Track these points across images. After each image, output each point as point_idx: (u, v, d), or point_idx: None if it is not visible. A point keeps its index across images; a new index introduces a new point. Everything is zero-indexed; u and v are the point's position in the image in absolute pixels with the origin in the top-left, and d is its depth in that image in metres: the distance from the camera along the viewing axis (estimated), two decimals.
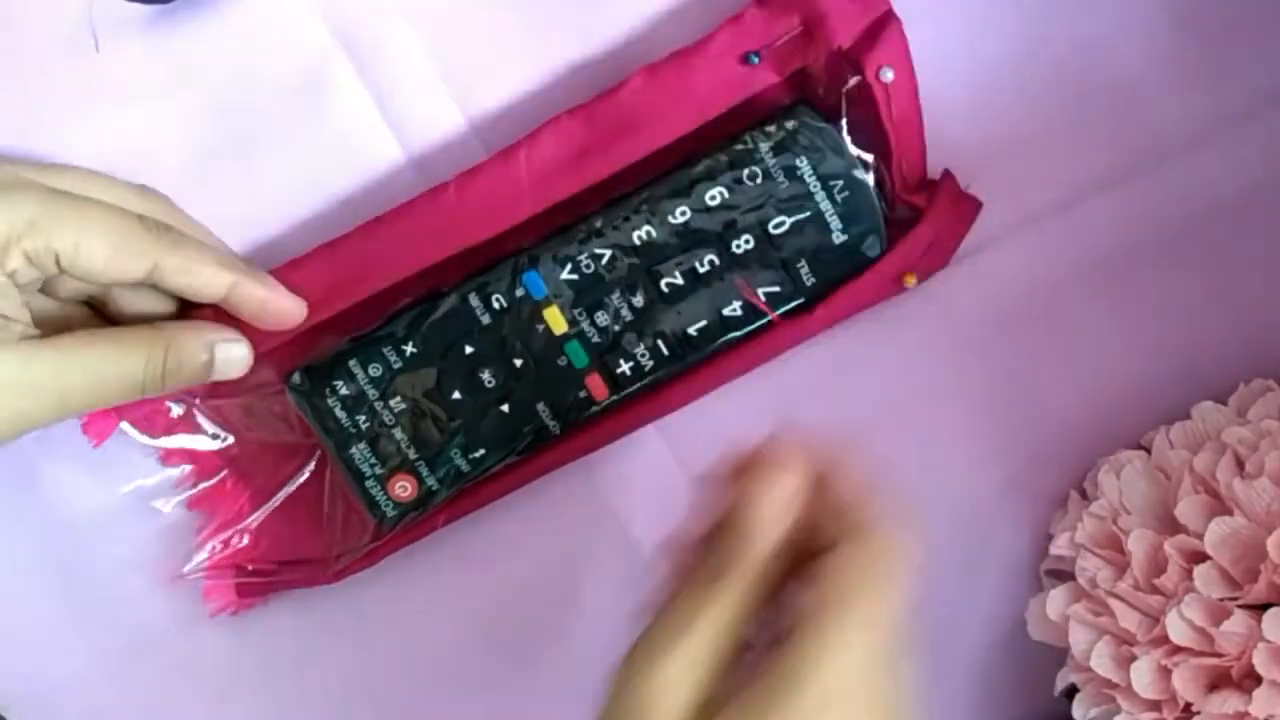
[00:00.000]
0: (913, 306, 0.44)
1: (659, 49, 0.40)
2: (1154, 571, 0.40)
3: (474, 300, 0.40)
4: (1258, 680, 0.37)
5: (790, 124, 0.39)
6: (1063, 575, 0.43)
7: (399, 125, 0.42)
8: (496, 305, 0.40)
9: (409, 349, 0.41)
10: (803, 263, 0.40)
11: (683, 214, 0.40)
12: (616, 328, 0.41)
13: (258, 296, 0.39)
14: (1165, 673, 0.38)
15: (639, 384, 0.42)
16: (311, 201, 0.42)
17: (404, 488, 0.42)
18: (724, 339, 0.42)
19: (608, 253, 0.40)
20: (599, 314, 0.41)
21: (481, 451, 0.42)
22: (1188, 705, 0.38)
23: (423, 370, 0.41)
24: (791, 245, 0.40)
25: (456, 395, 0.41)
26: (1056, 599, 0.42)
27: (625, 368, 0.41)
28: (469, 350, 0.41)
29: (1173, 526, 0.40)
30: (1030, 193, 0.43)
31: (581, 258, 0.40)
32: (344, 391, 0.41)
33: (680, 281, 0.41)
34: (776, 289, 0.41)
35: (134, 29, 0.40)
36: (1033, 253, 0.44)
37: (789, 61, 0.39)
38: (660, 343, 0.41)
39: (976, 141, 0.43)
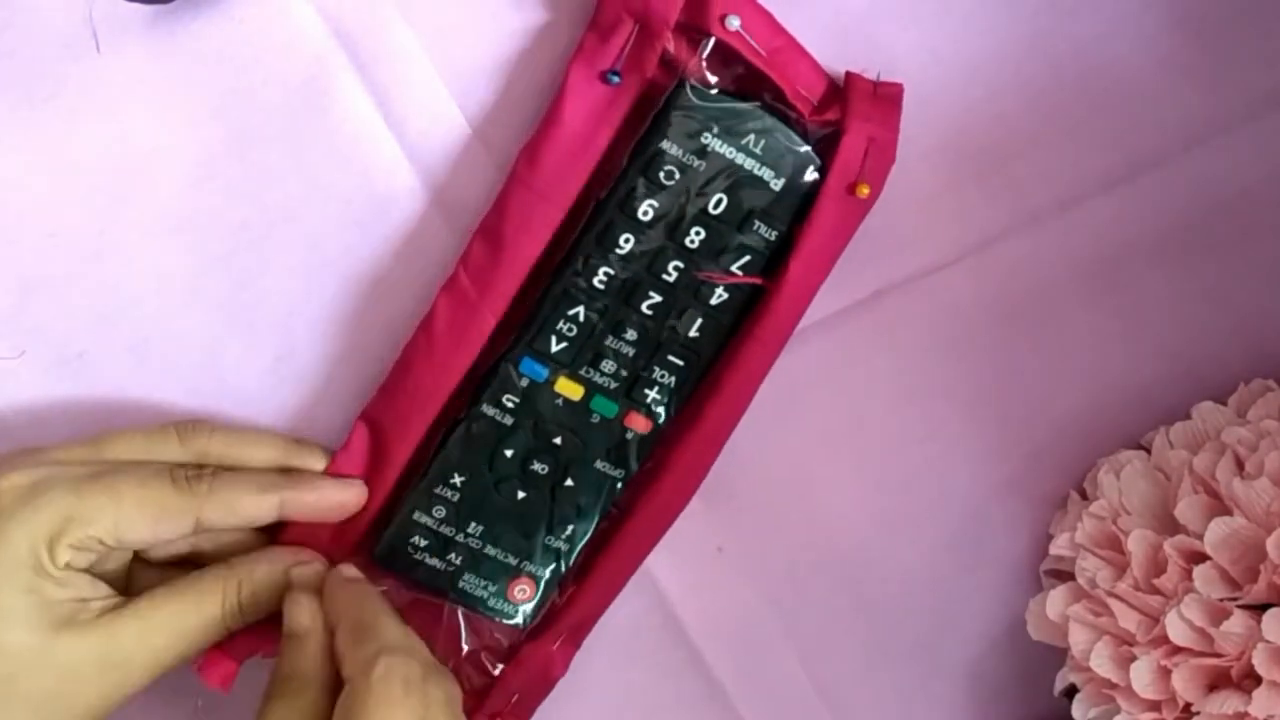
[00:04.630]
0: (913, 306, 0.44)
1: None
2: (1154, 571, 0.40)
3: (489, 410, 0.41)
4: (1257, 680, 0.37)
5: (675, 110, 0.40)
6: (1063, 575, 0.43)
7: (399, 126, 0.42)
8: (510, 404, 0.41)
9: (457, 480, 0.42)
10: (756, 224, 0.41)
11: (626, 241, 0.40)
12: (624, 369, 0.41)
13: (308, 503, 0.40)
14: (1165, 673, 0.38)
15: (675, 402, 0.42)
16: (312, 202, 0.42)
17: (523, 590, 0.43)
18: (726, 325, 0.42)
19: (580, 309, 0.41)
20: (604, 363, 0.41)
21: (570, 528, 0.43)
22: (1187, 705, 0.38)
23: (479, 491, 0.42)
24: (737, 214, 0.40)
25: (521, 495, 0.42)
26: (1056, 599, 0.42)
27: (653, 395, 0.42)
28: (509, 453, 0.42)
29: (1172, 526, 0.40)
30: (1030, 193, 0.43)
31: (561, 325, 0.41)
32: (424, 543, 0.42)
33: (659, 299, 0.41)
34: (747, 259, 0.41)
35: (135, 30, 0.40)
36: (1033, 252, 0.44)
37: (646, 61, 0.39)
38: (671, 357, 0.42)
39: (977, 142, 0.43)
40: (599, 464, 0.42)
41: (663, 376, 0.42)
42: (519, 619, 0.43)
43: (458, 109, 0.42)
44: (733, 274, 0.41)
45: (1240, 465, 0.40)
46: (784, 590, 0.46)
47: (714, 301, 0.41)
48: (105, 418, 0.42)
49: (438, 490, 0.42)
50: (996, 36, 0.42)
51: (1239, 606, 0.38)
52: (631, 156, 0.40)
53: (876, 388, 0.45)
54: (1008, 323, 0.44)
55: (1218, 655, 0.38)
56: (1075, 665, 0.41)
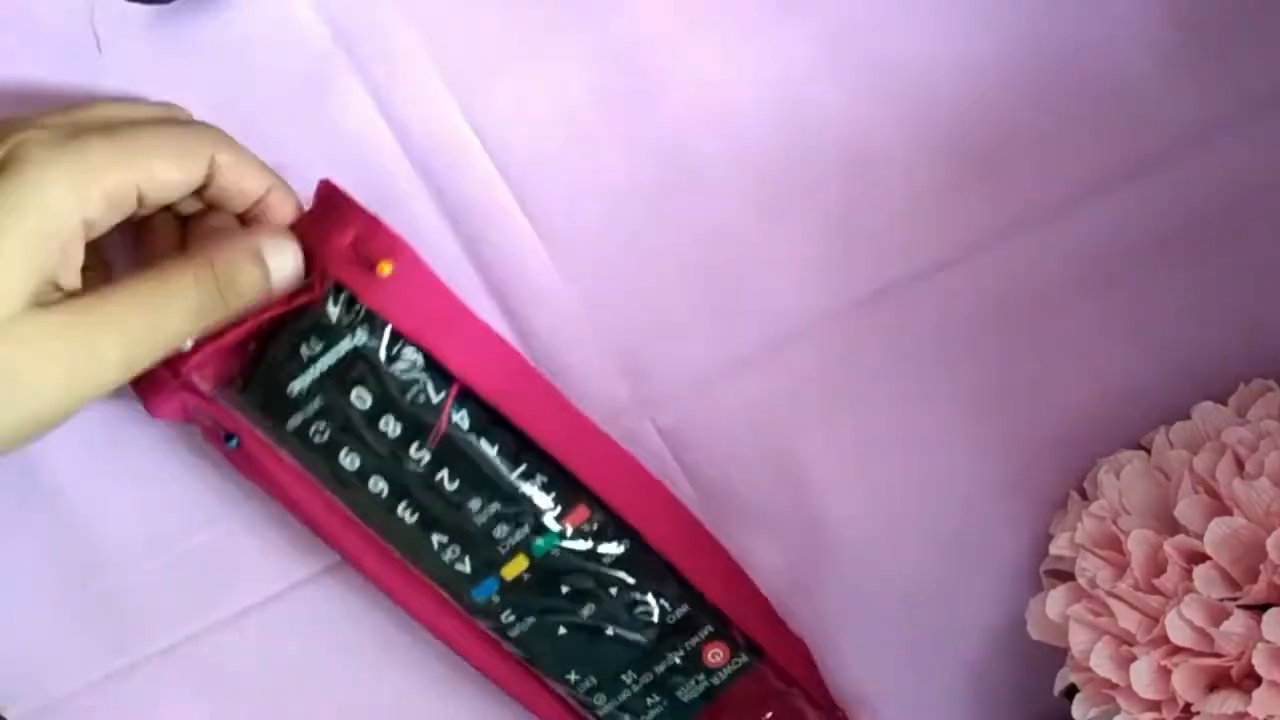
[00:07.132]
0: (913, 306, 0.44)
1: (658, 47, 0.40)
2: (1154, 572, 0.40)
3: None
4: (1257, 680, 0.37)
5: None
6: (1063, 575, 0.43)
7: (399, 125, 0.42)
8: None
9: None
10: (410, 390, 0.40)
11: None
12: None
13: (291, 200, 0.40)
14: (1165, 673, 0.38)
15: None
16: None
17: None
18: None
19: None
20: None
21: None
22: (1187, 705, 0.38)
23: None
24: (387, 394, 0.40)
25: None
26: (1056, 599, 0.41)
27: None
28: None
29: (1172, 526, 0.40)
30: (1030, 193, 0.43)
31: None
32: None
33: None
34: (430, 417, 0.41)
35: (136, 30, 0.40)
36: (1033, 252, 0.44)
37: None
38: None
39: (976, 140, 0.43)
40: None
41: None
42: None
43: (458, 109, 0.42)
44: (441, 419, 0.40)
45: (1240, 465, 0.40)
46: (784, 590, 0.46)
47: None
48: (105, 417, 0.42)
49: None
50: (996, 37, 0.42)
51: (1239, 606, 0.38)
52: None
53: (876, 388, 0.44)
54: (1008, 323, 0.44)
55: (1218, 655, 0.38)
56: (1075, 665, 0.41)
